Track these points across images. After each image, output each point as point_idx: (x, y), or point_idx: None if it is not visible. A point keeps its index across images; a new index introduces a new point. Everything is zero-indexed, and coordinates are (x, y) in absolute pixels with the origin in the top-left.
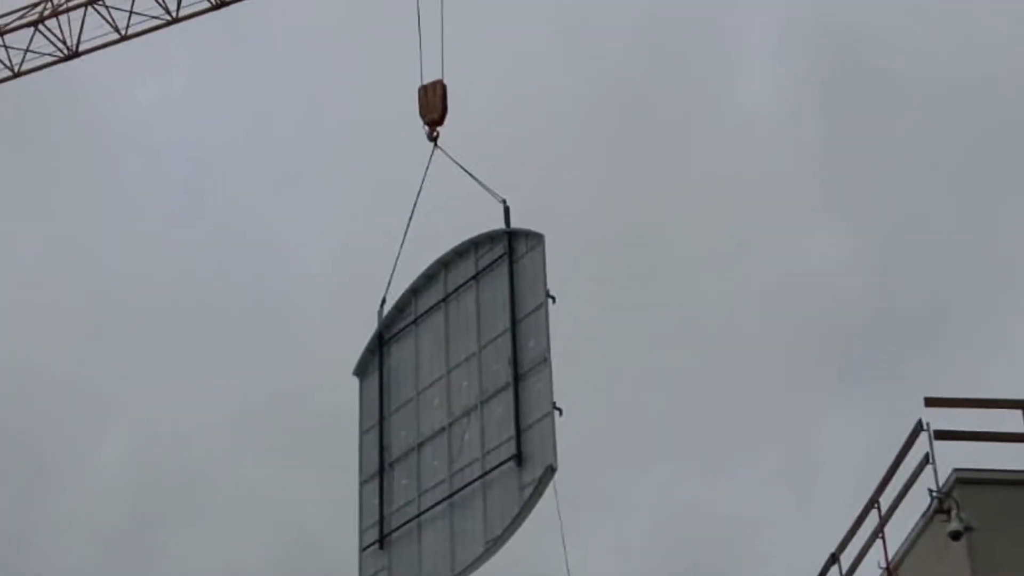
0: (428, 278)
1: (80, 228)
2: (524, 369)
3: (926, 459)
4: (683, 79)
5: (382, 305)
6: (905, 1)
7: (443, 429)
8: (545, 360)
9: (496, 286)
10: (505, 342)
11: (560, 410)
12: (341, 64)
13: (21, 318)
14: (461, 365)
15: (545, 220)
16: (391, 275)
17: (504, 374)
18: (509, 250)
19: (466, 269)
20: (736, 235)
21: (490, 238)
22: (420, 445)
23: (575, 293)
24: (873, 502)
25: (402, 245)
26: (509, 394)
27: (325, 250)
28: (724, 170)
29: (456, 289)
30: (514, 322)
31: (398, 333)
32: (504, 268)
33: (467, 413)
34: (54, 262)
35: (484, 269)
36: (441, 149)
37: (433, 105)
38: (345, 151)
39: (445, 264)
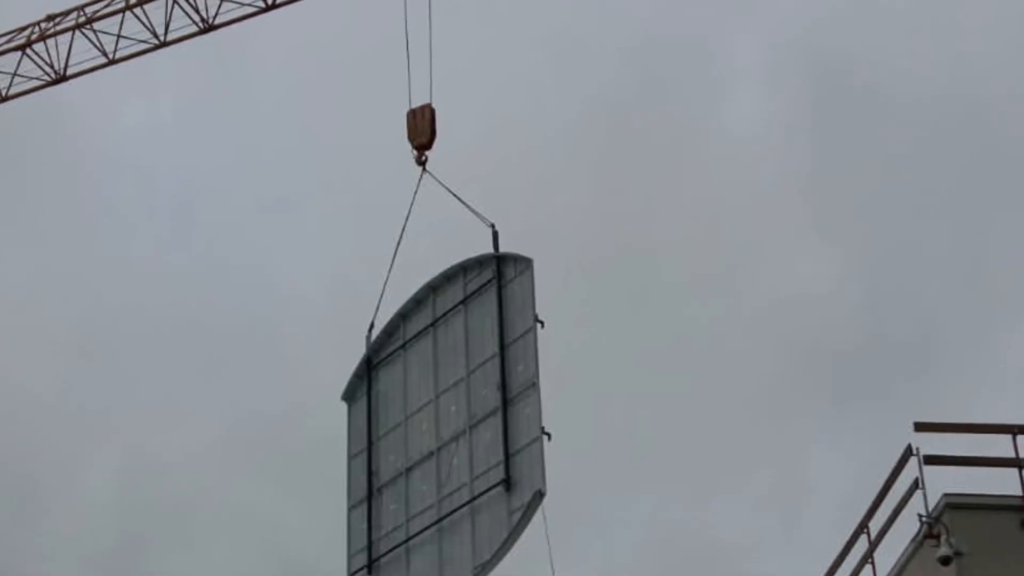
0: (417, 302)
1: (68, 251)
2: (513, 394)
3: (916, 484)
4: (672, 101)
5: (370, 330)
6: (893, 22)
7: (431, 454)
8: (534, 385)
9: (485, 311)
10: (494, 367)
11: (549, 435)
12: (330, 88)
13: (10, 341)
14: (450, 390)
15: (534, 244)
16: (379, 299)
17: (493, 399)
18: (498, 274)
19: (455, 293)
20: (725, 259)
21: (479, 262)
22: (408, 470)
23: (564, 317)
24: (862, 527)
25: (390, 269)
26: (498, 419)
27: (314, 274)
28: (713, 193)
29: (445, 314)
30: (503, 347)
31: (386, 358)
32: (493, 292)
33: (455, 438)
34: (42, 285)
35: (473, 293)
36: (429, 173)
37: (422, 129)
38: (334, 175)
39: (434, 288)
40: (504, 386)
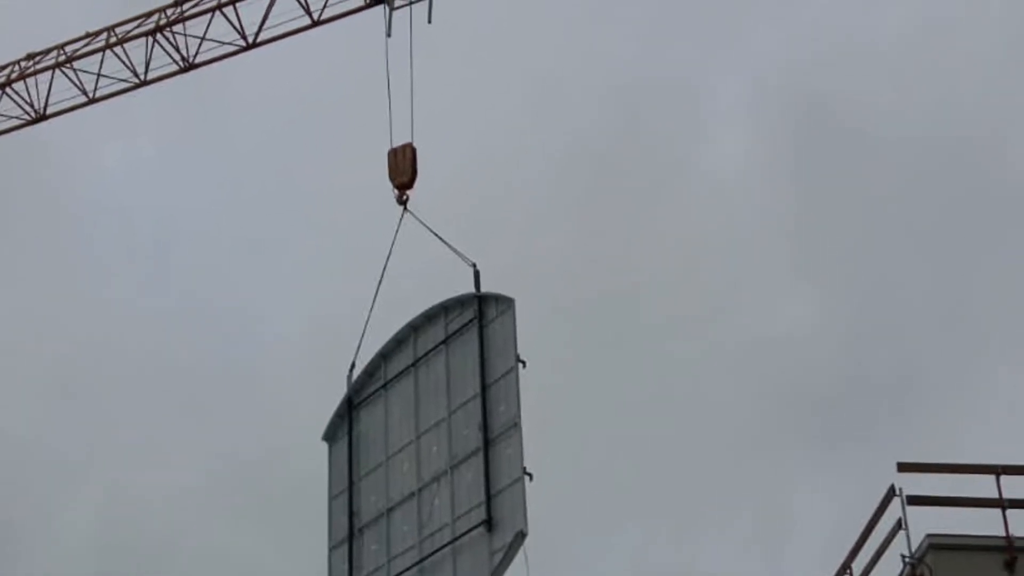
0: (398, 342)
1: (49, 291)
2: (494, 434)
3: (899, 524)
4: (654, 142)
5: (351, 370)
6: (875, 63)
7: (413, 494)
8: (515, 425)
9: (466, 351)
10: (475, 407)
11: (530, 475)
12: (310, 127)
13: None
14: (431, 430)
15: (516, 284)
16: (360, 339)
17: (474, 439)
18: (479, 314)
19: (436, 333)
20: (708, 299)
21: (460, 302)
22: (390, 510)
23: (546, 357)
24: (846, 567)
25: (371, 309)
26: (479, 459)
27: (294, 315)
28: (694, 233)
29: (426, 354)
30: (484, 387)
31: (368, 398)
32: (474, 332)
33: (437, 478)
34: (22, 326)
35: (454, 333)
36: (411, 212)
37: (403, 168)
38: (315, 215)
39: (415, 328)
40: (486, 426)
